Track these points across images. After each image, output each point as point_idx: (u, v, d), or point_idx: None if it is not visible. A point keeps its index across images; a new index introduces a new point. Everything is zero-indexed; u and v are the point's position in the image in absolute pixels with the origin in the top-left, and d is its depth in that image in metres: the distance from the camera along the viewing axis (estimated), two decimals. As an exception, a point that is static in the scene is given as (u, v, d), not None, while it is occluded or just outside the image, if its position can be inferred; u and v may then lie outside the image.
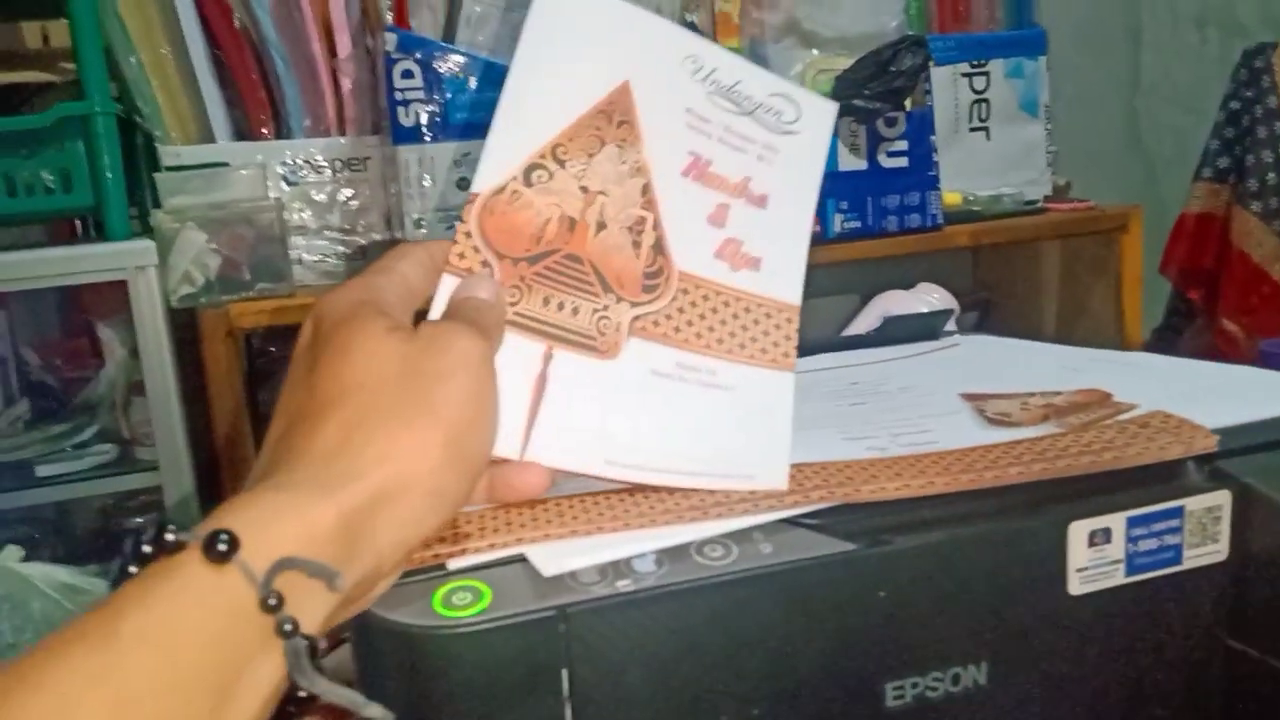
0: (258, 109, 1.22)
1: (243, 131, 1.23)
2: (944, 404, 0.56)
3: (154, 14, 1.18)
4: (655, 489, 0.44)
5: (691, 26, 1.30)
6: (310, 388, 0.38)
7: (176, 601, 0.31)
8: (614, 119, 0.46)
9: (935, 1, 1.51)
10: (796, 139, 0.49)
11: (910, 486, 0.43)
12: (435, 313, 0.42)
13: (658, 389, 0.45)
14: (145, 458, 1.17)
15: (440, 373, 0.38)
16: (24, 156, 1.12)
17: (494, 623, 0.36)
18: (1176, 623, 0.45)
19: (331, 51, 1.22)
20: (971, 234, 1.38)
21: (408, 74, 1.14)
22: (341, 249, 1.24)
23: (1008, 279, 1.64)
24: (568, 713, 0.37)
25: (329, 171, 1.23)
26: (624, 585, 0.38)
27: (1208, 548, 0.45)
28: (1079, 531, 0.43)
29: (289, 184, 1.21)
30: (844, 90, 1.26)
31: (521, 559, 0.39)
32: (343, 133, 1.23)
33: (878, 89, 1.26)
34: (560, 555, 0.39)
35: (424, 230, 1.17)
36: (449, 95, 1.15)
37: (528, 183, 0.45)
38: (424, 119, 1.15)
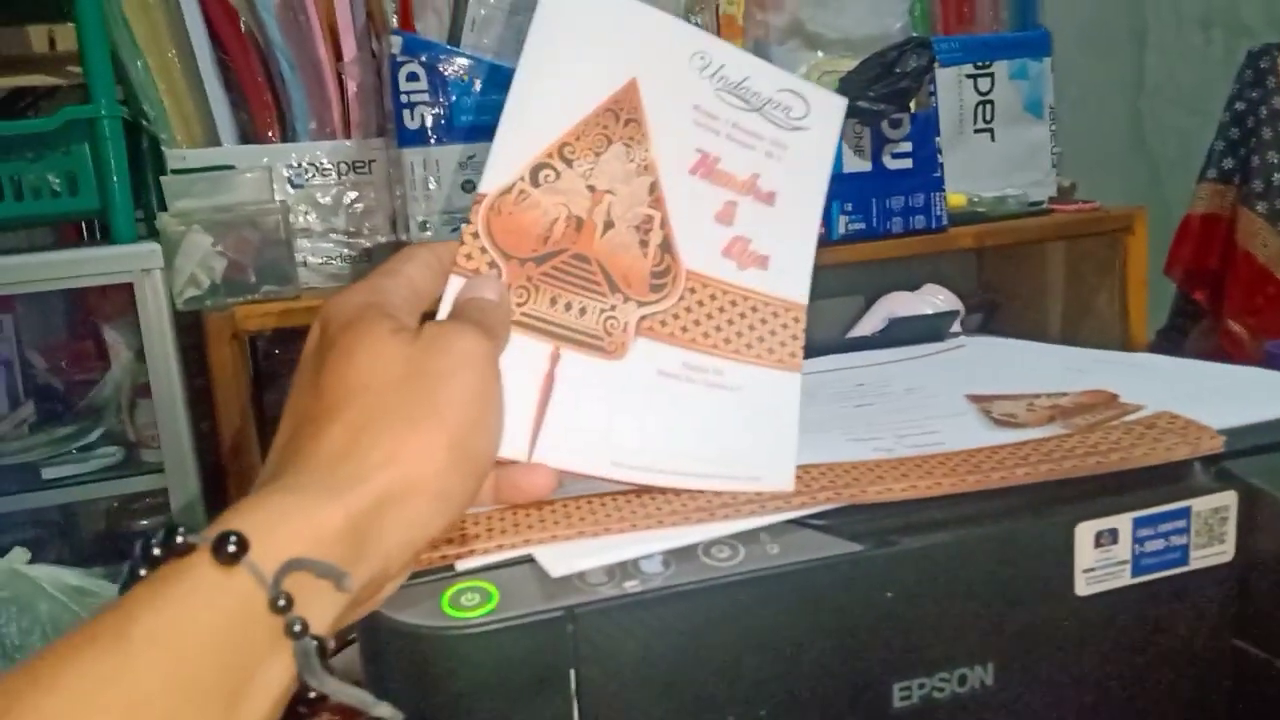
0: (263, 112, 1.23)
1: (248, 135, 1.23)
2: (950, 405, 0.56)
3: (160, 18, 1.19)
4: (662, 490, 0.44)
5: (696, 29, 1.30)
6: (317, 391, 0.38)
7: (187, 603, 0.32)
8: (621, 117, 0.46)
9: (940, 3, 1.51)
10: (805, 135, 0.49)
11: (917, 487, 0.43)
12: (442, 314, 0.42)
13: (664, 389, 0.45)
14: (151, 460, 1.17)
15: (443, 373, 0.38)
16: (30, 160, 1.12)
17: (502, 623, 0.37)
18: (1183, 623, 0.45)
19: (337, 55, 1.22)
20: (976, 235, 1.37)
21: (413, 77, 1.14)
22: (347, 251, 1.24)
23: (1013, 280, 1.64)
24: (575, 712, 0.37)
25: (334, 174, 1.23)
26: (631, 586, 0.38)
27: (1214, 548, 0.45)
28: (1085, 532, 0.43)
29: (294, 187, 1.22)
30: (848, 92, 1.26)
31: (529, 560, 0.40)
32: (348, 136, 1.23)
33: (882, 91, 1.26)
34: (568, 556, 0.39)
35: (429, 233, 1.17)
36: (454, 98, 1.15)
37: (535, 182, 0.44)
38: (429, 122, 1.15)
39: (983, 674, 0.42)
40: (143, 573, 0.33)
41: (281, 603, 0.32)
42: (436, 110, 1.15)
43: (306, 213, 1.22)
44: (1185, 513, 0.44)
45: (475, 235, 0.44)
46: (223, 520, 0.33)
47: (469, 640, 0.36)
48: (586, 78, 0.46)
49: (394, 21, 1.21)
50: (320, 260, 1.23)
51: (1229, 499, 0.45)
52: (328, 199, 1.23)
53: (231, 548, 0.32)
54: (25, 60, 1.34)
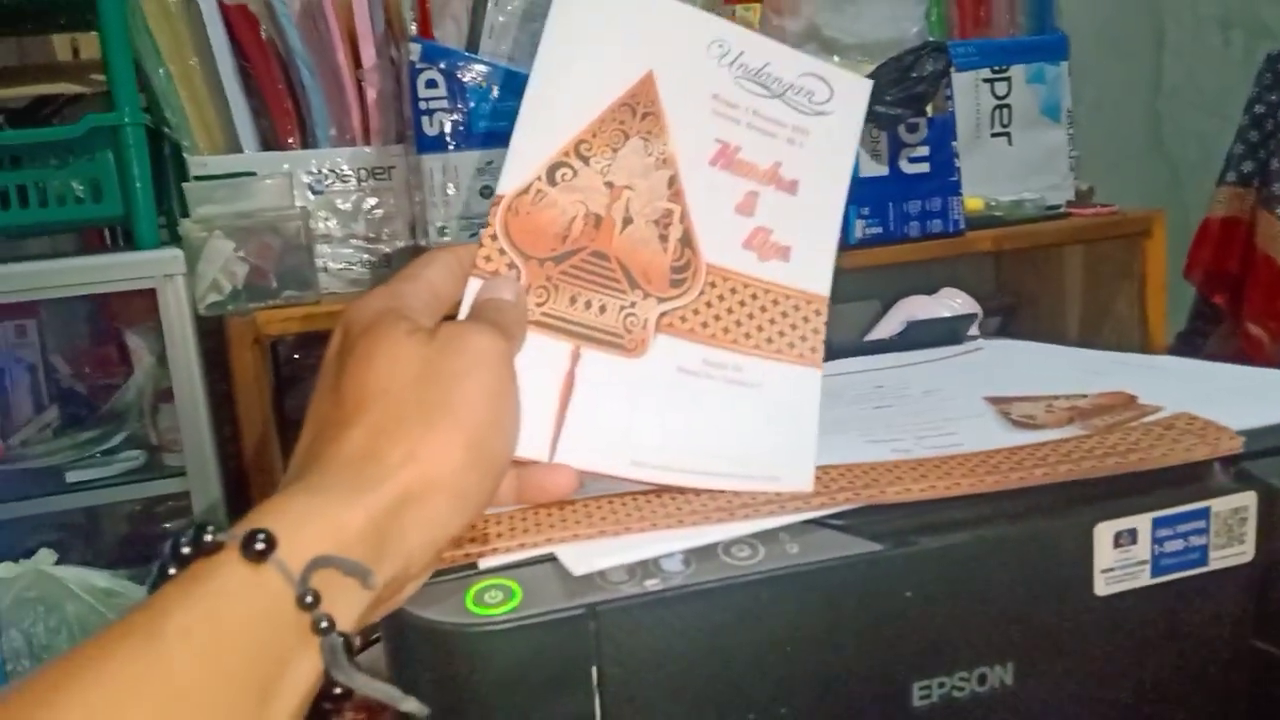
0: (284, 119, 1.24)
1: (269, 141, 1.24)
2: (968, 407, 0.56)
3: (182, 27, 1.20)
4: (682, 490, 0.45)
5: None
6: (337, 395, 0.39)
7: (218, 600, 0.32)
8: (638, 111, 0.46)
9: (956, 7, 1.51)
10: (828, 119, 0.48)
11: (935, 488, 0.43)
12: (462, 317, 0.43)
13: (685, 387, 0.45)
14: (173, 464, 1.18)
15: (458, 373, 0.38)
16: (55, 167, 1.14)
17: (525, 620, 0.37)
18: (1202, 623, 0.45)
19: (356, 62, 1.23)
20: (994, 239, 1.37)
21: (432, 83, 1.15)
22: (366, 257, 1.25)
23: (1031, 284, 1.64)
24: (597, 709, 0.38)
25: (354, 180, 1.24)
26: (652, 584, 0.39)
27: (1233, 549, 0.45)
28: (1105, 533, 0.43)
29: (315, 193, 1.23)
30: (865, 96, 1.26)
31: (551, 558, 0.40)
32: (368, 142, 1.24)
33: (899, 95, 1.26)
34: (589, 555, 0.39)
35: (448, 238, 1.17)
36: (472, 104, 1.16)
37: (552, 181, 0.45)
38: (448, 128, 1.16)
39: (1002, 673, 0.42)
40: (172, 571, 0.34)
41: (309, 599, 0.33)
42: (455, 116, 1.16)
43: (327, 218, 1.23)
44: (1205, 513, 0.44)
45: (494, 237, 0.44)
46: (249, 520, 0.34)
47: (492, 637, 0.37)
48: (601, 74, 0.45)
49: (413, 29, 1.22)
50: (340, 265, 1.24)
51: (1249, 499, 0.45)
52: (348, 205, 1.24)
53: (260, 545, 0.32)
54: (50, 68, 1.36)
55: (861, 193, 1.30)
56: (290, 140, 1.24)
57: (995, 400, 0.56)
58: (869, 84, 0.49)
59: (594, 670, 0.37)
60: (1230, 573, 0.45)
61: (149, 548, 1.23)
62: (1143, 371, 0.63)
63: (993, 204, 1.42)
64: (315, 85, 1.22)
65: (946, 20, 1.50)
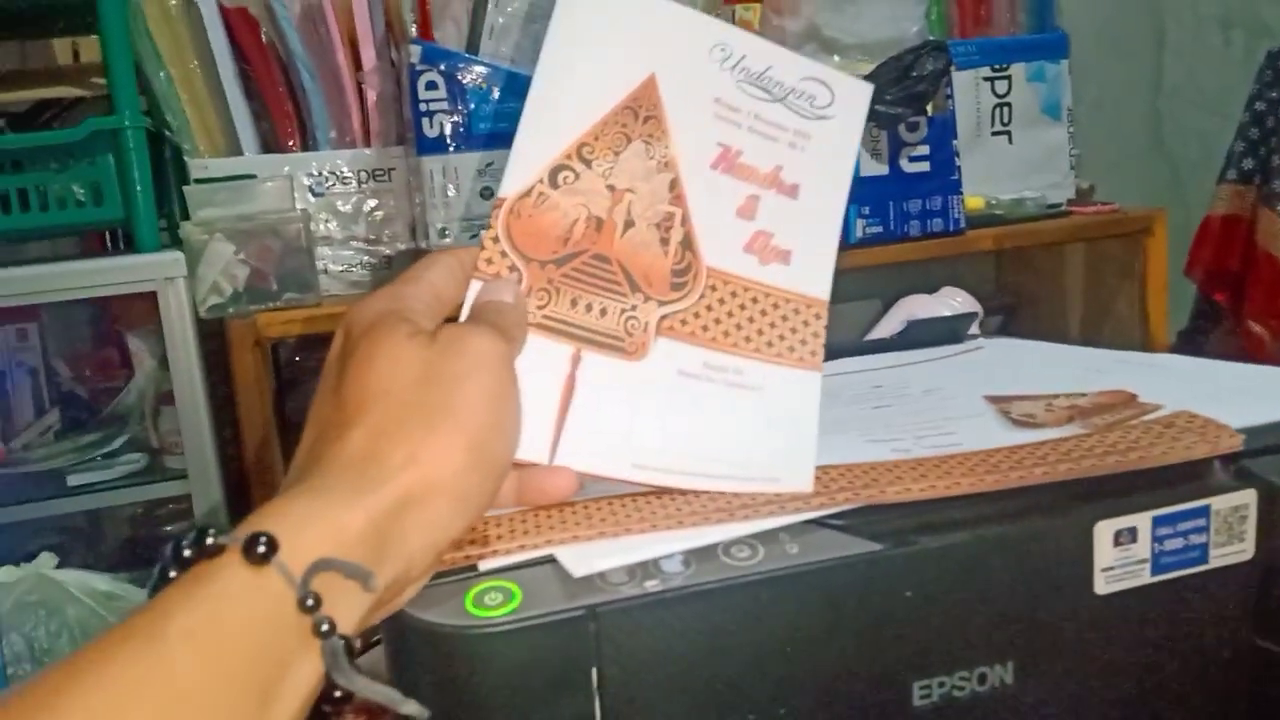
0: (284, 122, 1.24)
1: (270, 144, 1.24)
2: (968, 406, 0.56)
3: (183, 30, 1.20)
4: (682, 491, 0.45)
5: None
6: (339, 397, 0.39)
7: (220, 602, 0.32)
8: (640, 114, 0.46)
9: (956, 6, 1.50)
10: (830, 124, 0.48)
11: (935, 487, 0.43)
12: (463, 319, 0.43)
13: (685, 390, 0.45)
14: (174, 466, 1.18)
15: (459, 375, 0.38)
16: (55, 170, 1.14)
17: (525, 622, 0.37)
18: (1203, 622, 0.45)
19: (356, 64, 1.23)
20: (995, 238, 1.37)
21: (432, 85, 1.15)
22: (367, 259, 1.25)
23: (1032, 283, 1.64)
24: (597, 710, 0.38)
25: (355, 182, 1.24)
26: (652, 585, 0.39)
27: (1234, 547, 0.45)
28: (1105, 531, 0.43)
29: (315, 195, 1.23)
30: (865, 96, 1.26)
31: (551, 560, 0.40)
32: (368, 144, 1.25)
33: (899, 94, 1.26)
34: (589, 556, 0.40)
35: (448, 240, 1.17)
36: (473, 106, 1.16)
37: (554, 184, 0.45)
38: (448, 130, 1.16)
39: (1003, 673, 0.42)
40: (173, 574, 0.34)
41: (310, 602, 0.33)
42: (455, 118, 1.16)
43: (327, 221, 1.23)
44: (1205, 511, 0.44)
45: (495, 239, 0.44)
46: (250, 522, 0.34)
47: (492, 639, 0.37)
48: (604, 77, 0.46)
49: (413, 30, 1.22)
50: (341, 268, 1.24)
51: (1249, 497, 0.45)
52: (348, 207, 1.24)
53: (261, 548, 0.32)
54: (50, 72, 1.36)
55: (862, 192, 1.30)
56: (291, 143, 1.24)
57: (995, 399, 0.56)
58: (870, 88, 0.49)
59: (594, 671, 0.38)
60: (1230, 571, 0.45)
61: (150, 551, 1.23)
62: (1142, 370, 0.63)
63: (993, 203, 1.42)
64: (315, 88, 1.22)
65: (946, 19, 1.50)
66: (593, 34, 0.46)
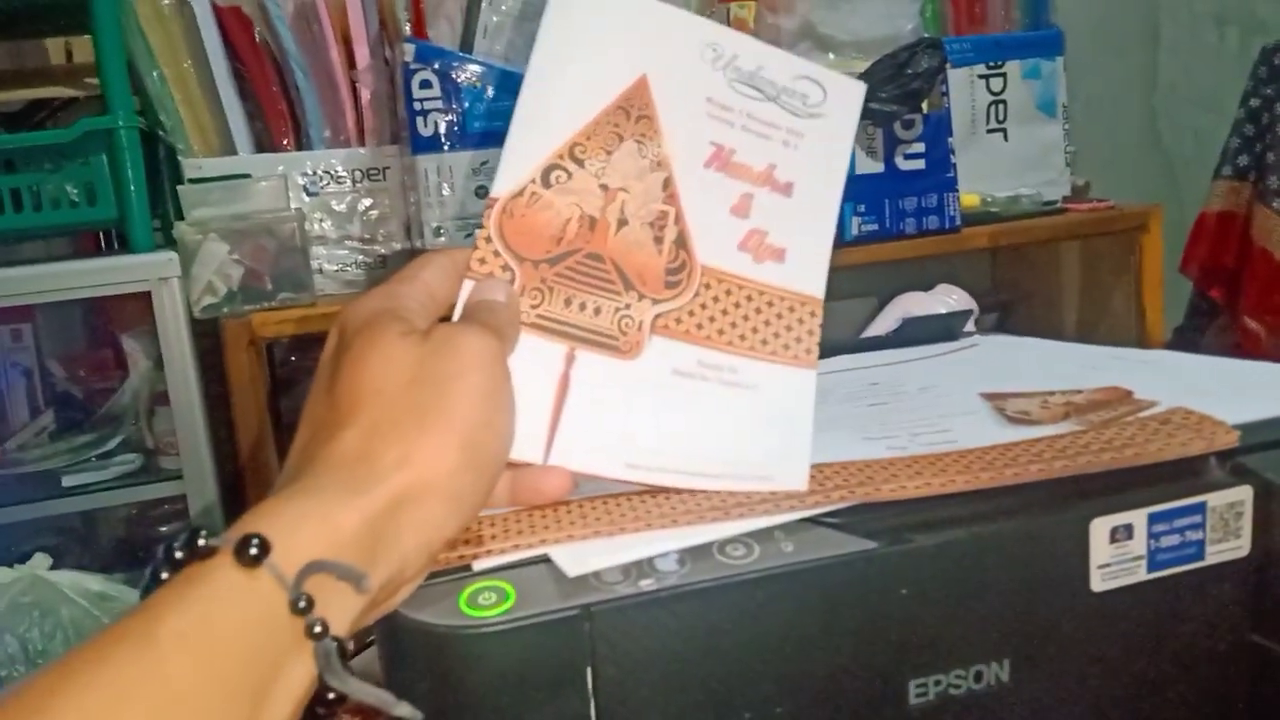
0: (278, 121, 1.24)
1: (264, 143, 1.24)
2: (963, 403, 0.56)
3: (176, 29, 1.20)
4: (676, 490, 0.45)
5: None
6: (332, 396, 0.38)
7: (211, 605, 0.32)
8: (632, 114, 0.46)
9: (951, 3, 1.50)
10: (822, 122, 0.48)
11: (931, 485, 0.43)
12: (455, 319, 0.43)
13: (679, 389, 0.45)
14: (169, 467, 1.18)
15: (451, 375, 0.38)
16: (49, 171, 1.14)
17: (519, 622, 0.37)
18: (1199, 618, 0.45)
19: (350, 63, 1.23)
20: (990, 235, 1.37)
21: (426, 84, 1.15)
22: (362, 258, 1.25)
23: (1027, 280, 1.64)
24: (592, 710, 0.37)
25: (349, 182, 1.24)
26: (647, 584, 0.38)
27: (1230, 543, 0.45)
28: (1101, 528, 0.43)
29: (310, 195, 1.22)
30: (860, 94, 1.26)
31: (545, 559, 0.40)
32: (362, 143, 1.24)
33: (894, 92, 1.26)
34: (584, 555, 0.39)
35: (443, 239, 1.17)
36: (467, 104, 1.16)
37: (546, 184, 0.45)
38: (442, 128, 1.16)
39: (999, 670, 0.42)
40: (165, 576, 0.33)
41: (302, 604, 0.33)
42: (449, 117, 1.16)
43: (322, 220, 1.23)
44: (1201, 508, 0.44)
45: (488, 239, 0.44)
46: (242, 523, 0.34)
47: (486, 639, 0.37)
48: (596, 77, 0.46)
49: (407, 29, 1.21)
50: (336, 267, 1.24)
51: (1244, 494, 0.45)
52: (342, 206, 1.24)
53: (253, 550, 0.32)
54: (44, 72, 1.36)
55: (857, 190, 1.30)
56: (285, 142, 1.24)
57: (990, 396, 0.56)
58: (863, 86, 0.49)
59: (589, 671, 0.37)
60: (1227, 567, 0.45)
61: (146, 551, 1.23)
62: (1138, 366, 0.63)
63: (989, 200, 1.42)
64: (309, 87, 1.22)
65: (941, 16, 1.50)
66: (584, 35, 0.46)
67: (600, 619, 0.37)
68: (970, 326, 0.81)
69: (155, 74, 1.19)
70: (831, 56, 1.38)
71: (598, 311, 0.45)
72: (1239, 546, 0.45)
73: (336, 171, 1.23)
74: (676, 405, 0.45)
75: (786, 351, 0.47)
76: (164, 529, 1.25)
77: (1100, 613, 0.43)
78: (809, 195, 0.48)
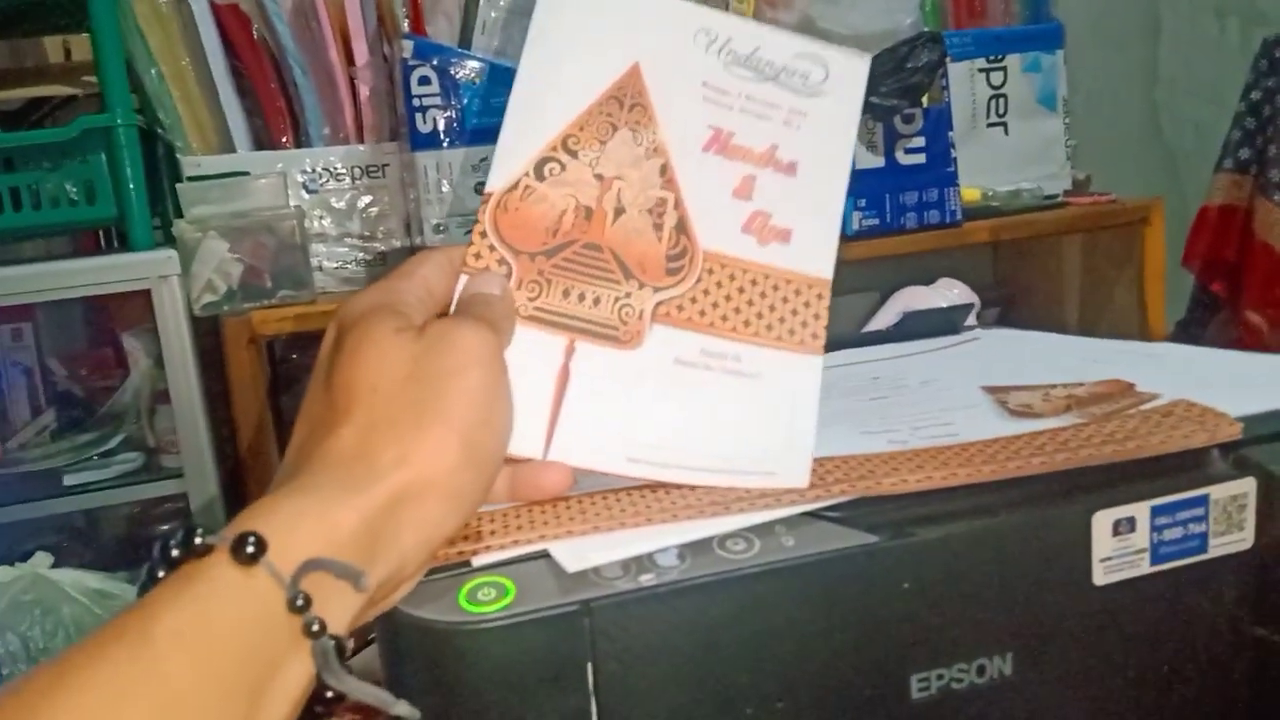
0: (277, 118, 1.23)
1: (262, 141, 1.24)
2: (965, 397, 0.56)
3: (174, 27, 1.19)
4: (677, 485, 0.44)
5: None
6: (329, 393, 0.38)
7: (208, 603, 0.32)
8: (625, 103, 0.45)
9: (950, -3, 1.50)
10: (826, 99, 0.47)
11: (932, 478, 0.43)
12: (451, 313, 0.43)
13: (681, 378, 0.45)
14: (170, 465, 1.18)
15: (448, 372, 0.38)
16: (48, 169, 1.13)
17: (518, 618, 0.37)
18: (1202, 611, 0.44)
19: (349, 60, 1.23)
20: (991, 229, 1.37)
21: (424, 80, 1.15)
22: (362, 255, 1.24)
23: (1029, 274, 1.64)
24: (593, 706, 0.37)
25: (348, 179, 1.23)
26: (647, 580, 0.38)
27: (1233, 536, 0.44)
28: (1103, 521, 0.43)
29: (309, 192, 1.22)
30: (860, 88, 1.26)
31: (545, 555, 0.40)
32: (361, 140, 1.24)
33: (894, 86, 1.25)
34: (583, 550, 0.39)
35: (443, 235, 1.17)
36: (465, 100, 1.16)
37: (540, 177, 0.44)
38: (441, 125, 1.16)
39: (1001, 664, 0.42)
40: (161, 574, 0.33)
41: (300, 602, 0.32)
42: (448, 113, 1.16)
43: (321, 217, 1.23)
44: (1203, 500, 0.44)
45: (483, 234, 0.44)
46: (239, 521, 0.33)
47: (486, 635, 0.36)
48: (587, 69, 0.45)
49: (405, 25, 1.21)
50: (335, 264, 1.23)
51: (1248, 486, 0.44)
52: (342, 203, 1.23)
53: (250, 548, 0.32)
54: (42, 71, 1.35)
55: (858, 185, 1.29)
56: (284, 139, 1.23)
57: (992, 390, 0.56)
58: (866, 61, 0.48)
59: (589, 667, 0.37)
60: (1230, 560, 0.45)
61: (147, 550, 1.23)
62: (1140, 359, 0.63)
63: (990, 194, 1.42)
64: (308, 84, 1.22)
65: (941, 10, 1.50)
66: (575, 28, 0.46)
67: (600, 614, 0.37)
68: (972, 320, 0.81)
69: (153, 72, 1.18)
70: (831, 51, 1.37)
71: (597, 302, 0.44)
72: (1242, 539, 0.45)
73: (335, 169, 1.23)
74: (678, 396, 0.45)
75: (792, 337, 0.46)
76: (165, 527, 1.25)
77: (1103, 606, 0.43)
78: (814, 174, 0.47)
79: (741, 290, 0.46)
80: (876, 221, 1.31)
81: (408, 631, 0.37)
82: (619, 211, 0.45)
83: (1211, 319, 1.70)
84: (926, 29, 1.36)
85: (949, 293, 1.24)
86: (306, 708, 0.34)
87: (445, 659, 0.37)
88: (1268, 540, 0.45)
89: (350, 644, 0.35)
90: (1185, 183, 1.91)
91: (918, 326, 0.79)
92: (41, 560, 0.99)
